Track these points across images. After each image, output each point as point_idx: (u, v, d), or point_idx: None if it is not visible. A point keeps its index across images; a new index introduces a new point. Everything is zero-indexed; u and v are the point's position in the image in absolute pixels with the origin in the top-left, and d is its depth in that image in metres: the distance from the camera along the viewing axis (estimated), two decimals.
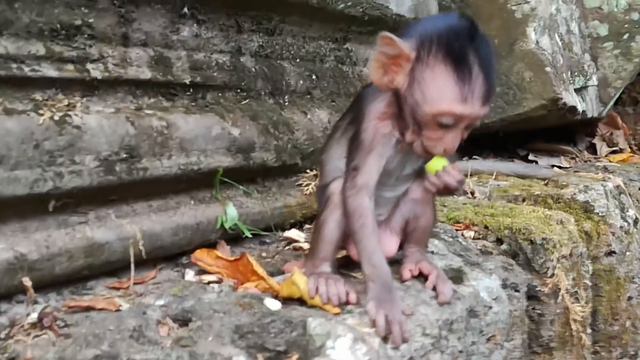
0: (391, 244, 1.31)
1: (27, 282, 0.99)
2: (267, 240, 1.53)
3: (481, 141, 2.85)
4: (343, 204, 1.20)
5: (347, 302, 1.14)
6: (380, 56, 1.10)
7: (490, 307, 1.38)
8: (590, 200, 2.13)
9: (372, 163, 1.18)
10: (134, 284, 1.19)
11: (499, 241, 1.78)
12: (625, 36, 3.26)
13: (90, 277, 1.15)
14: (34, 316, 1.01)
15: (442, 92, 1.07)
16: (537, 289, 1.72)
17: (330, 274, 1.20)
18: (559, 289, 1.77)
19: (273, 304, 1.14)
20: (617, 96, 3.42)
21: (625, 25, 3.26)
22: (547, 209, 1.99)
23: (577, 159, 3.28)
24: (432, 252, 1.47)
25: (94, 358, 0.92)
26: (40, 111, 1.05)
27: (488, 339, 1.39)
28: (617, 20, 3.27)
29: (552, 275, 1.74)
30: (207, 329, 1.04)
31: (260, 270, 1.26)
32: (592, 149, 3.56)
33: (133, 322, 1.04)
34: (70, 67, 1.11)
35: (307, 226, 1.65)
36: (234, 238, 1.42)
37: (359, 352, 1.00)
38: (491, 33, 2.53)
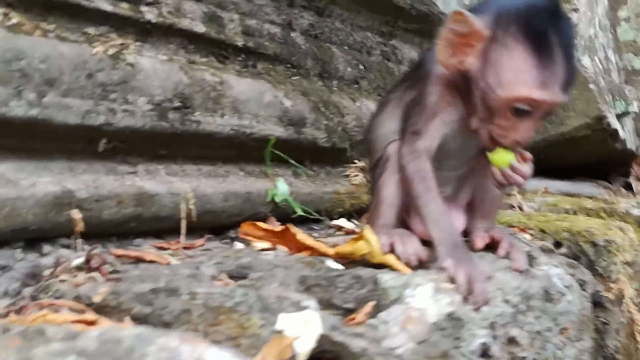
0: (457, 220, 1.20)
1: (76, 214, 0.89)
2: (315, 226, 1.42)
3: None
4: (400, 170, 1.09)
5: (421, 261, 1.03)
6: (450, 34, 0.98)
7: (564, 295, 1.26)
8: None
9: (434, 128, 1.07)
10: (183, 248, 1.09)
11: (557, 245, 1.67)
12: None
13: (137, 232, 1.05)
14: (79, 260, 0.91)
15: (519, 75, 0.96)
16: (601, 294, 1.60)
17: (402, 230, 1.10)
18: (623, 295, 1.64)
19: (336, 265, 1.04)
20: None
21: None
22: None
23: (615, 193, 3.18)
24: None
25: (152, 291, 0.81)
26: (94, 44, 0.98)
27: (561, 331, 1.26)
28: None
29: (616, 280, 1.62)
30: (270, 279, 0.93)
31: (308, 239, 1.15)
32: (627, 188, 3.47)
33: (187, 271, 0.94)
34: (125, 5, 1.05)
35: (355, 221, 1.54)
36: (282, 217, 1.32)
37: (442, 302, 0.89)
38: None
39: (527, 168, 1.06)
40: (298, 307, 0.83)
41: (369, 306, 0.88)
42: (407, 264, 1.01)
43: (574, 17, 2.43)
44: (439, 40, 1.00)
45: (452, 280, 0.96)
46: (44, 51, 0.89)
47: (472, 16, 0.97)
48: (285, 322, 0.80)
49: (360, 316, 0.86)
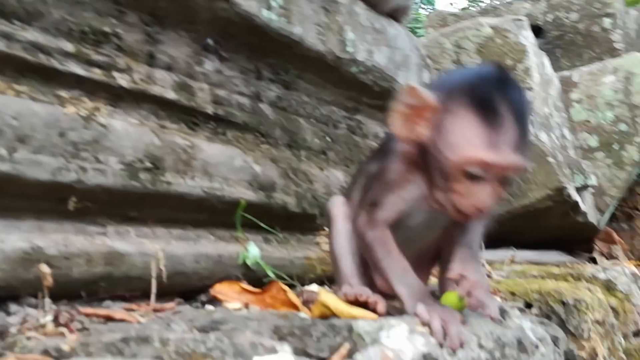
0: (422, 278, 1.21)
1: (45, 268, 0.88)
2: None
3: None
4: (359, 237, 1.12)
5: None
6: (402, 107, 1.01)
7: (537, 347, 1.26)
8: (612, 279, 2.05)
9: (392, 202, 1.09)
10: (153, 310, 1.08)
11: (528, 306, 1.68)
12: (615, 146, 3.35)
13: (106, 292, 1.04)
14: (47, 317, 0.89)
15: (466, 138, 0.97)
16: (574, 353, 1.60)
17: (361, 287, 1.11)
18: (597, 354, 1.64)
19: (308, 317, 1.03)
20: (614, 205, 3.44)
21: (614, 136, 3.35)
22: None
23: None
24: None
25: (122, 340, 0.80)
26: (66, 105, 1.00)
27: None
28: (605, 132, 3.37)
29: (588, 338, 1.63)
30: (243, 329, 0.92)
31: (294, 298, 1.16)
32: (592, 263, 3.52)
33: (157, 327, 0.92)
34: (97, 70, 1.08)
35: (327, 287, 1.54)
36: (253, 281, 1.32)
37: (417, 342, 0.89)
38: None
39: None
40: (272, 351, 0.83)
41: (344, 348, 0.88)
42: (373, 308, 1.03)
43: (528, 95, 2.55)
44: (393, 113, 1.03)
45: (426, 325, 0.97)
46: (17, 109, 0.91)
47: (423, 90, 1.00)
48: None
49: (336, 359, 0.85)
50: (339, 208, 1.20)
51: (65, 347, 0.77)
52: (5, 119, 0.89)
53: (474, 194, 0.99)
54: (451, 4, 13.36)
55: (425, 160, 1.04)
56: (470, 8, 11.79)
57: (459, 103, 0.99)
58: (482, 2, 12.20)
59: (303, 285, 1.47)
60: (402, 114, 1.02)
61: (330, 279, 1.56)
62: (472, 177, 0.98)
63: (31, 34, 0.99)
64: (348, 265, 1.16)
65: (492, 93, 0.98)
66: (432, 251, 1.24)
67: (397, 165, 1.09)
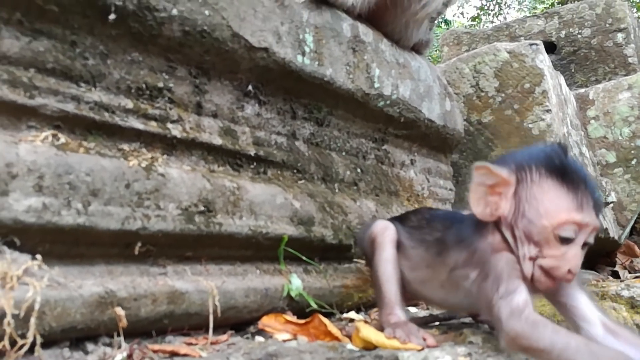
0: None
1: (120, 311, 0.97)
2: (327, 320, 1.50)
3: None
4: (508, 334, 0.99)
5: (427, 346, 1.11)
6: (478, 187, 1.09)
7: None
8: (635, 296, 2.11)
9: (520, 284, 1.04)
10: (210, 343, 1.17)
11: None
12: (634, 161, 3.40)
13: (169, 329, 1.13)
14: (122, 355, 0.98)
15: (557, 203, 1.04)
16: None
17: (405, 321, 1.19)
18: None
19: (356, 348, 1.11)
20: (634, 219, 3.49)
21: (632, 152, 3.41)
22: None
23: (603, 280, 3.27)
24: None
25: None
26: (129, 157, 1.10)
27: None
28: (623, 148, 3.43)
29: None
30: None
31: (334, 330, 1.24)
32: (614, 277, 3.57)
33: None
34: (154, 123, 1.17)
35: (363, 314, 1.62)
36: (297, 311, 1.40)
37: None
38: (510, 150, 2.66)
39: None
40: None
41: None
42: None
43: (547, 117, 2.63)
44: (470, 194, 1.10)
45: None
46: (89, 165, 1.01)
47: (496, 166, 1.08)
48: None
49: None
50: (385, 233, 1.29)
51: None
52: (80, 176, 0.98)
53: (567, 258, 1.03)
54: (462, 13, 13.52)
55: (503, 235, 1.09)
56: (480, 16, 11.91)
57: (537, 174, 1.06)
58: (491, 11, 12.32)
59: (342, 312, 1.55)
60: (478, 193, 1.09)
61: (366, 306, 1.64)
62: (563, 241, 1.03)
63: (96, 95, 1.09)
64: (392, 291, 1.24)
65: (564, 163, 1.06)
66: None
67: (495, 256, 1.08)
